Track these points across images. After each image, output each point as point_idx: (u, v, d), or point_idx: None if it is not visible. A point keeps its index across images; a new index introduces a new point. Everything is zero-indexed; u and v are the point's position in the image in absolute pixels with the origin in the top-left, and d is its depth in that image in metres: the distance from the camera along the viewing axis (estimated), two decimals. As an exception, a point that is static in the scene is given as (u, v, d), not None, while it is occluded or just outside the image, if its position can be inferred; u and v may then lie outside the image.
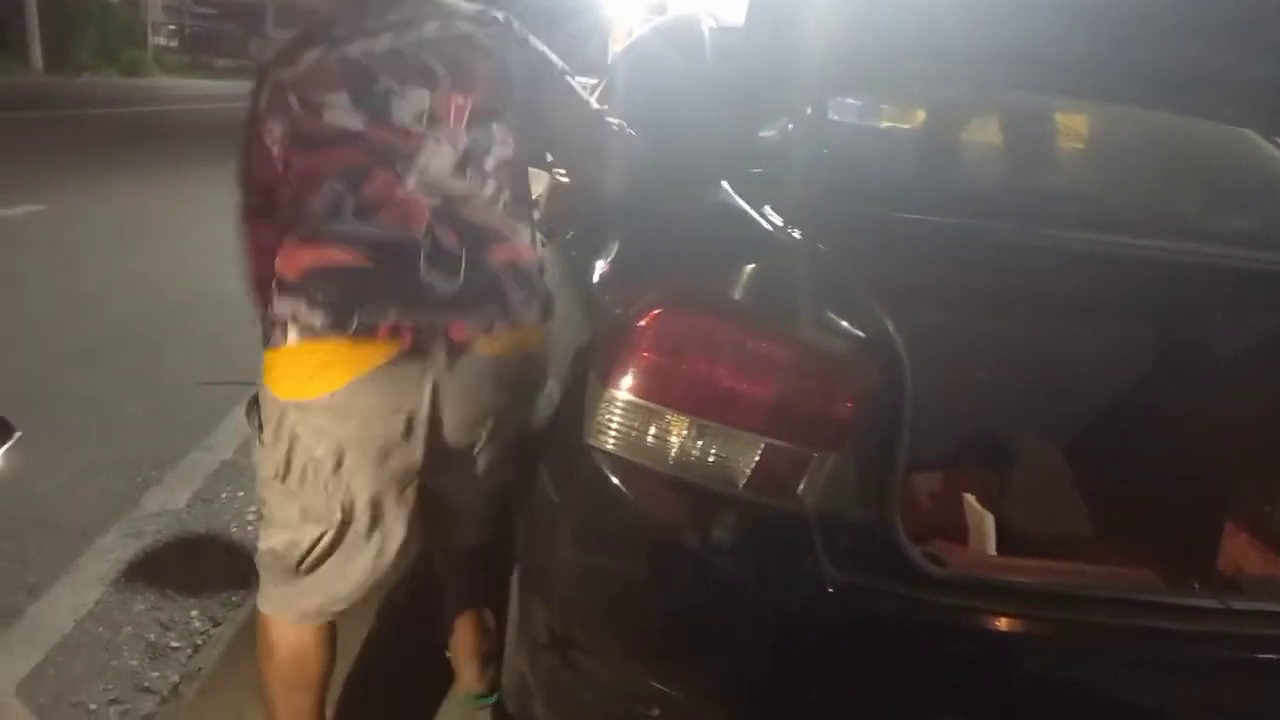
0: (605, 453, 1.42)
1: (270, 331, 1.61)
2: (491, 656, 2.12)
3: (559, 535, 1.55)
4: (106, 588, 2.50)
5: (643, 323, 1.40)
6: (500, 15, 1.68)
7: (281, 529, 1.71)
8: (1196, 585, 1.63)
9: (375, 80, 1.54)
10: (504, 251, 1.62)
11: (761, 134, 1.79)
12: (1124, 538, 1.86)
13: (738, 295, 1.37)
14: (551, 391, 1.71)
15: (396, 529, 1.72)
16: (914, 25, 1.66)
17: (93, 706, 2.10)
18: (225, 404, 3.75)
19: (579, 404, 1.49)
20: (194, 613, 2.43)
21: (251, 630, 2.30)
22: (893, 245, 1.61)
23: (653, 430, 1.39)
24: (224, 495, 3.08)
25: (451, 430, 1.68)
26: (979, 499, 1.75)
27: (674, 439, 1.38)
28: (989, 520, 1.67)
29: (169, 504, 2.96)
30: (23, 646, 2.24)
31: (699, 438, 1.37)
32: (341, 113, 1.54)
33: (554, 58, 1.75)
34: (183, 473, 3.20)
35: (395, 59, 1.56)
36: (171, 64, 33.50)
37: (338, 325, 1.53)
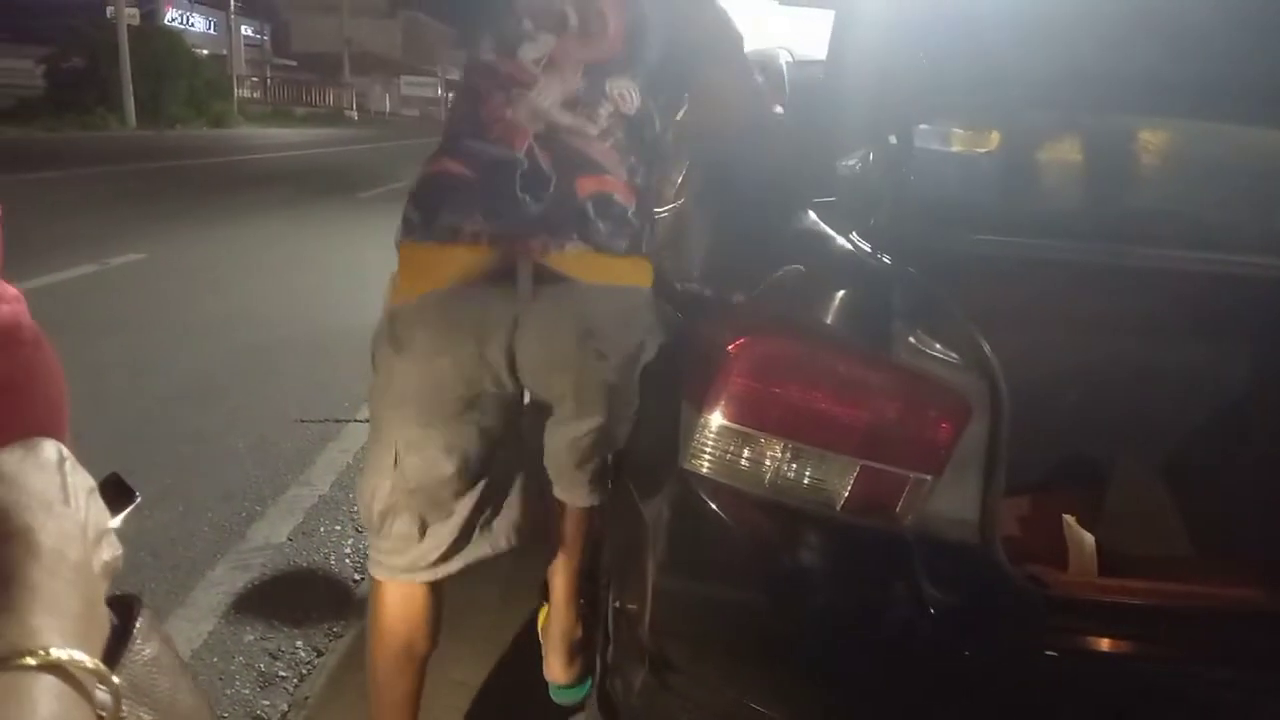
0: (701, 476, 1.45)
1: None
2: (581, 647, 2.08)
3: (654, 558, 1.58)
4: (218, 619, 2.60)
5: (735, 349, 1.43)
6: None
7: (367, 474, 1.76)
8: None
9: (519, 21, 1.73)
10: (594, 183, 1.69)
11: (844, 164, 1.81)
12: (1227, 557, 1.81)
13: (829, 320, 1.39)
14: (642, 411, 1.73)
15: (470, 499, 1.73)
16: (994, 51, 1.68)
17: (210, 734, 2.19)
18: (319, 440, 3.91)
19: (672, 427, 1.52)
20: (299, 643, 2.52)
21: (353, 659, 2.38)
22: (981, 267, 1.62)
23: (748, 454, 1.41)
24: (323, 529, 3.17)
25: (538, 368, 1.67)
26: (1078, 521, 1.73)
27: (769, 462, 1.40)
28: (1090, 542, 1.65)
29: (272, 538, 3.07)
30: (145, 677, 2.34)
31: (794, 460, 1.39)
32: (486, 47, 1.75)
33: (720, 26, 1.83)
34: (283, 507, 3.31)
35: (540, 3, 1.73)
36: (255, 114, 34.92)
37: (426, 223, 1.66)
